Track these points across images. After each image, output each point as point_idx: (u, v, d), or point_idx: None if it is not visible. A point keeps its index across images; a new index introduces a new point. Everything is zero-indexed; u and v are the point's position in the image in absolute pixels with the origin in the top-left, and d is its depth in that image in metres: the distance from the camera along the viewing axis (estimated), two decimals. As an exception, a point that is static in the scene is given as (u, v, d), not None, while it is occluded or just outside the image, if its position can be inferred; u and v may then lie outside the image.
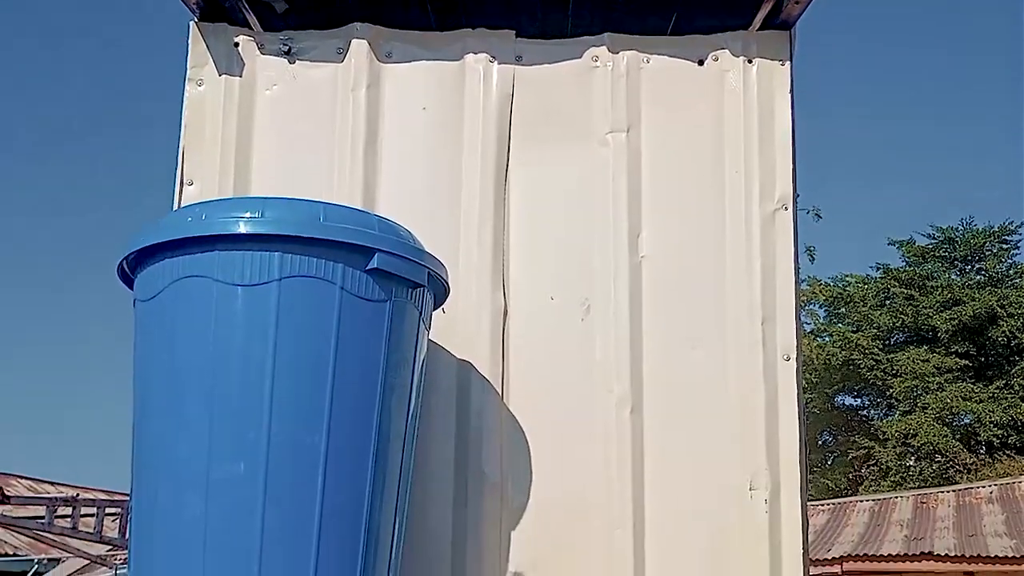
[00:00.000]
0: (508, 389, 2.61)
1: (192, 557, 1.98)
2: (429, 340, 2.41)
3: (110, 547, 9.45)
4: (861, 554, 14.00)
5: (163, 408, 2.09)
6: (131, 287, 2.26)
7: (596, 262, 2.66)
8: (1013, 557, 13.32)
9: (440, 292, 2.37)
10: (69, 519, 7.99)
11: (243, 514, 1.98)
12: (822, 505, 18.27)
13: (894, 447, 26.81)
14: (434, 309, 2.39)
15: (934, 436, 25.17)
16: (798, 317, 2.65)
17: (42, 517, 8.03)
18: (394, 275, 2.15)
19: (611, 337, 2.61)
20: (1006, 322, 25.64)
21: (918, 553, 13.40)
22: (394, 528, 2.19)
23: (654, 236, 2.66)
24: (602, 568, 2.50)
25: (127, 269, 2.24)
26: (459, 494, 2.54)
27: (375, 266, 2.11)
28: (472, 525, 2.53)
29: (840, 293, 28.22)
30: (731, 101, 2.68)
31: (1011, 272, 27.03)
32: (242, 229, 2.07)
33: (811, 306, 27.92)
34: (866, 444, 27.86)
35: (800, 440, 2.56)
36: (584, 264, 2.66)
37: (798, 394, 2.59)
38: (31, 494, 11.86)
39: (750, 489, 2.52)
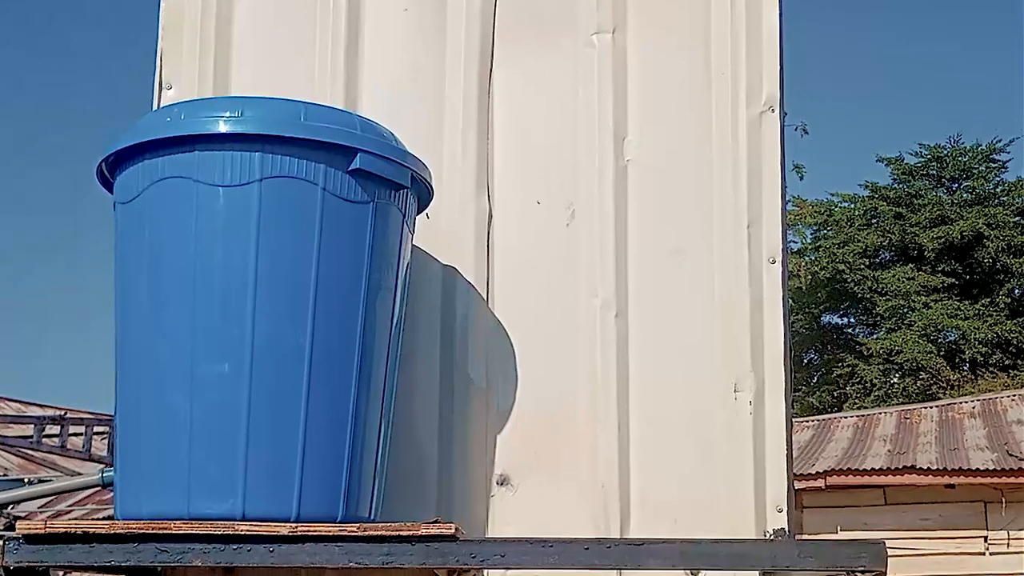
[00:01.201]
0: (493, 294, 2.61)
1: (178, 455, 1.98)
2: (413, 245, 2.40)
3: (101, 466, 9.51)
4: (844, 468, 14.16)
5: (145, 309, 2.08)
6: (111, 190, 2.23)
7: (582, 166, 2.63)
8: (994, 470, 13.51)
9: (424, 195, 2.35)
10: (57, 438, 8.02)
11: (228, 412, 1.98)
12: (806, 422, 18.46)
13: (879, 365, 27.07)
14: (418, 213, 2.37)
15: (919, 353, 25.39)
16: (784, 220, 2.64)
17: (30, 436, 8.06)
18: (377, 176, 2.13)
19: (596, 241, 2.60)
20: (992, 241, 25.74)
21: (901, 467, 13.55)
22: (380, 431, 2.20)
23: (640, 139, 2.63)
24: (587, 470, 2.52)
25: (106, 172, 2.21)
26: (444, 398, 2.55)
27: (357, 166, 2.09)
28: (458, 429, 2.54)
29: (827, 212, 28.23)
30: (718, 0, 2.64)
31: (999, 191, 27.06)
32: (222, 128, 2.04)
33: (797, 227, 27.97)
34: (850, 362, 28.11)
35: (785, 342, 2.56)
36: (569, 168, 2.64)
37: (783, 297, 2.59)
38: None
39: (734, 391, 2.53)
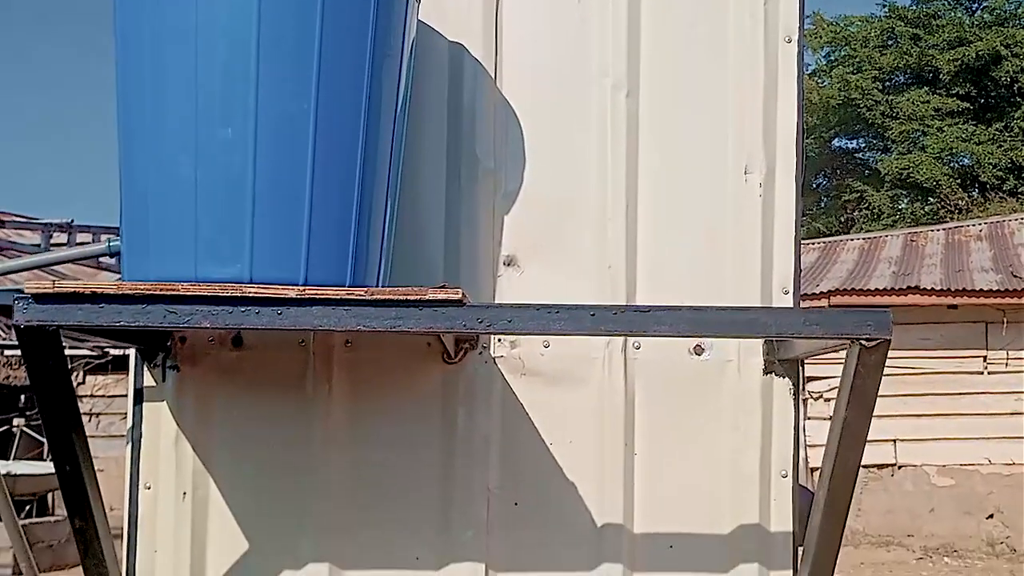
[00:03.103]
0: (501, 73, 2.55)
1: (184, 221, 1.97)
2: (419, 20, 2.33)
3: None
4: (848, 288, 14.28)
5: (147, 75, 2.04)
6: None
7: None
8: (997, 291, 13.62)
9: (430, -36, 2.27)
10: (65, 246, 8.05)
11: (233, 177, 1.96)
12: (812, 243, 18.54)
13: (888, 190, 26.97)
14: (424, -16, 2.30)
15: (932, 173, 25.19)
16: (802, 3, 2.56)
17: (38, 244, 8.09)
18: (382, -63, 2.05)
19: (608, 18, 2.53)
20: (1010, 62, 25.26)
21: (904, 287, 13.68)
22: (386, 204, 2.18)
23: None
24: (595, 252, 2.51)
25: (102, -66, 2.13)
26: (452, 178, 2.52)
27: (362, -74, 2.01)
28: (465, 209, 2.52)
29: (842, 33, 27.62)
30: None
31: (1019, 11, 26.38)
32: None
33: (812, 46, 27.42)
34: (859, 187, 28.00)
35: (798, 124, 2.52)
36: None
37: (798, 78, 2.53)
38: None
39: (745, 173, 2.50)
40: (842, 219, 28.69)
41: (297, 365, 2.48)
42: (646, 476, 2.48)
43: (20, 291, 1.90)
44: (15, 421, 14.24)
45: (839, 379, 2.05)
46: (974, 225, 18.01)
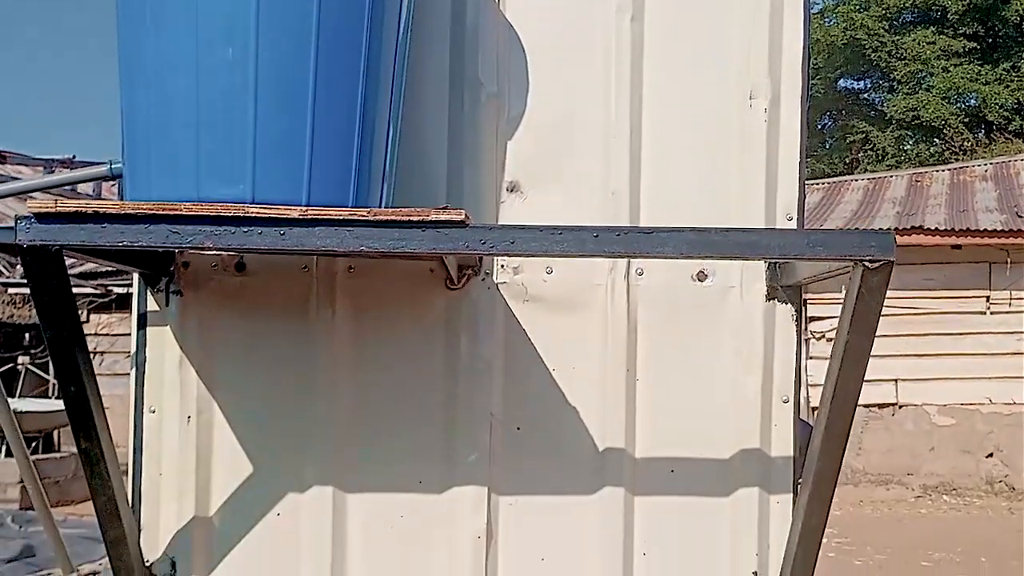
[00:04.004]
0: (505, -4, 2.52)
1: (186, 142, 1.96)
2: (422, -59, 2.31)
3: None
4: (852, 229, 14.25)
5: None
6: None
7: None
8: (1001, 231, 13.60)
9: None
10: (68, 186, 8.05)
11: (235, 98, 1.94)
12: (816, 184, 18.48)
13: (893, 131, 26.82)
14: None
15: (938, 114, 25.02)
16: (810, -73, 2.53)
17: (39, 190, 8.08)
18: None
19: (613, -59, 2.50)
20: (1019, 1, 24.96)
21: (908, 227, 13.67)
22: (388, 127, 2.17)
23: None
24: (599, 177, 2.50)
25: None
26: (454, 103, 2.50)
27: None
28: (468, 135, 2.51)
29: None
30: None
31: (1029, -51, 26.01)
32: None
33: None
34: (864, 128, 27.85)
35: (803, 50, 2.49)
36: None
37: (804, 4, 2.50)
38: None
39: (750, 98, 2.49)
40: (847, 160, 28.56)
41: (300, 291, 2.48)
42: (648, 401, 2.49)
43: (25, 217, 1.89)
44: (20, 359, 14.32)
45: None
46: (979, 165, 17.93)
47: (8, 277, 13.37)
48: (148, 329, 2.47)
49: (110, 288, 15.04)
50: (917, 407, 14.52)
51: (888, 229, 1.90)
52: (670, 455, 2.49)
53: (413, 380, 2.49)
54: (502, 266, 2.51)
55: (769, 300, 2.49)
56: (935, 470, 14.45)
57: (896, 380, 14.31)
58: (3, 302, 14.73)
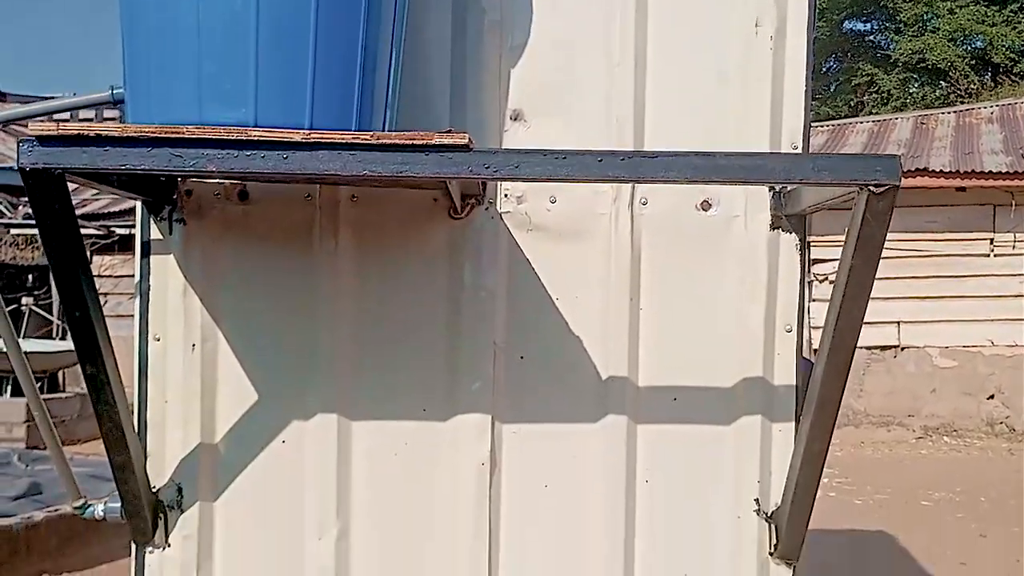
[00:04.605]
0: (508, -77, 2.49)
1: (188, 65, 1.94)
2: None
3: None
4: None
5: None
6: None
7: None
8: (1006, 172, 13.54)
9: None
10: (69, 121, 8.00)
11: (237, 20, 1.92)
12: (821, 126, 18.37)
13: (899, 73, 26.62)
14: None
15: (944, 56, 24.78)
16: None
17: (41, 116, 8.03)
18: None
19: None
20: (1028, -59, 24.65)
21: (913, 169, 13.59)
22: (391, 53, 2.15)
23: None
24: (602, 105, 2.48)
25: None
26: (457, 31, 2.48)
27: None
28: (471, 63, 2.49)
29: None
30: None
31: None
32: None
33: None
34: (870, 71, 27.63)
35: (811, -24, 2.47)
36: None
37: (813, -69, 2.48)
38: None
39: (756, 26, 2.46)
40: (852, 103, 28.38)
41: (303, 220, 2.48)
42: (651, 330, 2.49)
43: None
44: (23, 300, 14.35)
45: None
46: (985, 107, 17.82)
47: (11, 218, 13.36)
48: (152, 258, 2.47)
49: (112, 229, 15.04)
50: (919, 349, 14.55)
51: (894, 154, 1.89)
52: (673, 383, 2.50)
53: (416, 309, 2.49)
54: (506, 195, 2.50)
55: (773, 229, 2.48)
56: (936, 412, 14.51)
57: (898, 322, 14.33)
58: (6, 243, 14.74)
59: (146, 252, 2.46)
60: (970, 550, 8.44)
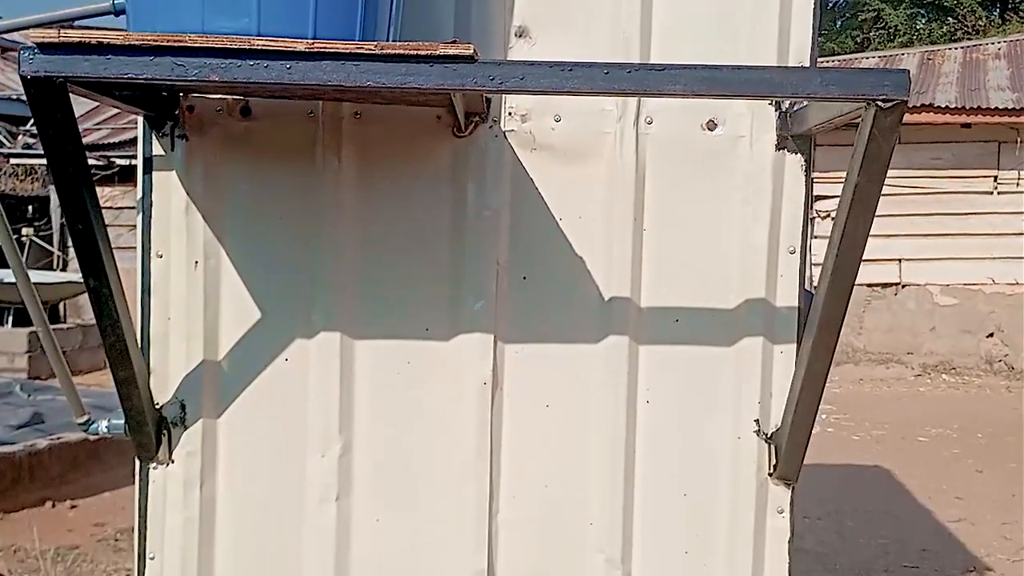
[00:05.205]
0: None
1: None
2: None
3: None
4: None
5: None
6: None
7: None
8: (1012, 109, 13.45)
9: None
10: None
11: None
12: (826, 62, 18.19)
13: (905, 8, 26.33)
14: None
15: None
16: None
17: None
18: None
19: None
20: None
21: (918, 105, 13.48)
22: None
23: None
24: (610, 19, 2.45)
25: None
26: (461, -45, 2.45)
27: None
28: (476, -16, 2.46)
29: None
30: None
31: None
32: None
33: None
34: (876, 6, 27.32)
35: None
36: None
37: None
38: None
39: (764, -55, 2.43)
40: (858, 39, 28.10)
41: (306, 136, 2.46)
42: (654, 251, 2.49)
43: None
44: (24, 231, 14.34)
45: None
46: (993, 43, 17.64)
47: (10, 147, 13.30)
48: (154, 174, 2.46)
49: (113, 160, 14.97)
50: (920, 287, 14.55)
51: (904, 68, 1.87)
52: (675, 304, 2.50)
53: (419, 228, 2.49)
54: (510, 113, 2.48)
55: (779, 150, 2.47)
56: (935, 349, 14.56)
57: (900, 260, 14.32)
58: (5, 174, 14.69)
59: (148, 168, 2.45)
60: (966, 485, 8.52)
